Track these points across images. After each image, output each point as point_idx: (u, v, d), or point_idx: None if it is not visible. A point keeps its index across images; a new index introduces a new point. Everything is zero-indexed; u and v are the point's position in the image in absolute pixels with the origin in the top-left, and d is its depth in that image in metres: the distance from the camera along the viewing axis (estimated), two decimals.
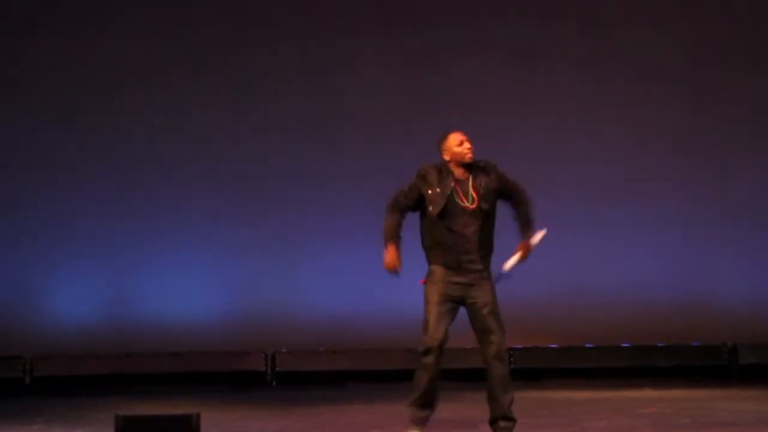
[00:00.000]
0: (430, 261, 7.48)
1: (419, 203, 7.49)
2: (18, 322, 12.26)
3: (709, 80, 12.49)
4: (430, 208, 7.41)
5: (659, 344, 12.33)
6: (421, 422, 7.47)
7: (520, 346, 12.29)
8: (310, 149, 12.42)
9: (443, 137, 7.57)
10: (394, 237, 7.45)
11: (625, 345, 12.34)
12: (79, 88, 12.43)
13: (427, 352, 7.31)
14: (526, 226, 7.57)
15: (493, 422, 7.50)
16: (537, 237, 7.60)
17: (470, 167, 7.52)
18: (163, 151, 12.43)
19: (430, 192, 7.44)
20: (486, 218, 7.44)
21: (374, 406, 10.39)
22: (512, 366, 12.23)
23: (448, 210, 7.39)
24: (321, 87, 12.47)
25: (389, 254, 7.43)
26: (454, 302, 7.40)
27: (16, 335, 12.21)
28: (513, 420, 7.48)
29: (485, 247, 7.45)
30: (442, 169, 7.50)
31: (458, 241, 7.38)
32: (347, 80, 12.44)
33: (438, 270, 7.41)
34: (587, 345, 12.31)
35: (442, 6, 12.54)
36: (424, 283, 7.46)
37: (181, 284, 12.29)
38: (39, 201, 12.40)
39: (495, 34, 12.43)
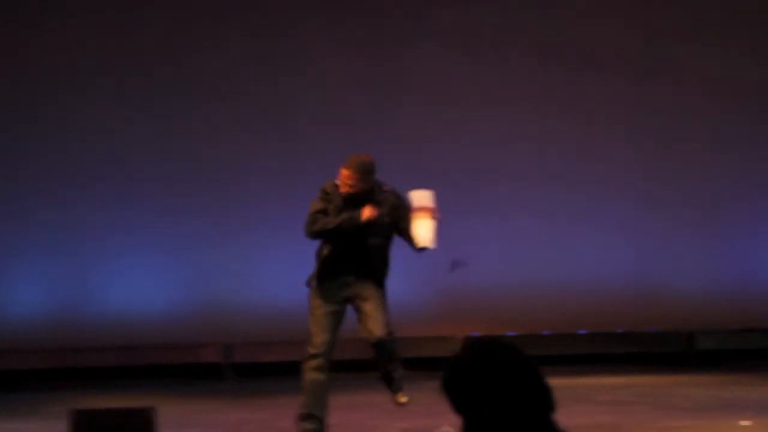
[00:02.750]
0: None
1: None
2: None
3: (665, 62, 12.46)
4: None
5: (616, 331, 12.32)
6: None
7: (477, 334, 12.24)
8: (264, 141, 12.30)
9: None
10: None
11: (582, 332, 12.32)
12: (38, 82, 12.25)
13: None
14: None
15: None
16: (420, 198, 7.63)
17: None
18: (116, 143, 12.27)
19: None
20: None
21: (331, 396, 10.29)
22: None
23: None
24: (274, 78, 12.34)
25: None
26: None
27: None
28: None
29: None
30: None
31: None
32: (301, 71, 12.32)
33: None
34: (544, 332, 12.29)
35: None
36: None
37: (134, 276, 12.15)
38: None
39: (450, 22, 12.35)
